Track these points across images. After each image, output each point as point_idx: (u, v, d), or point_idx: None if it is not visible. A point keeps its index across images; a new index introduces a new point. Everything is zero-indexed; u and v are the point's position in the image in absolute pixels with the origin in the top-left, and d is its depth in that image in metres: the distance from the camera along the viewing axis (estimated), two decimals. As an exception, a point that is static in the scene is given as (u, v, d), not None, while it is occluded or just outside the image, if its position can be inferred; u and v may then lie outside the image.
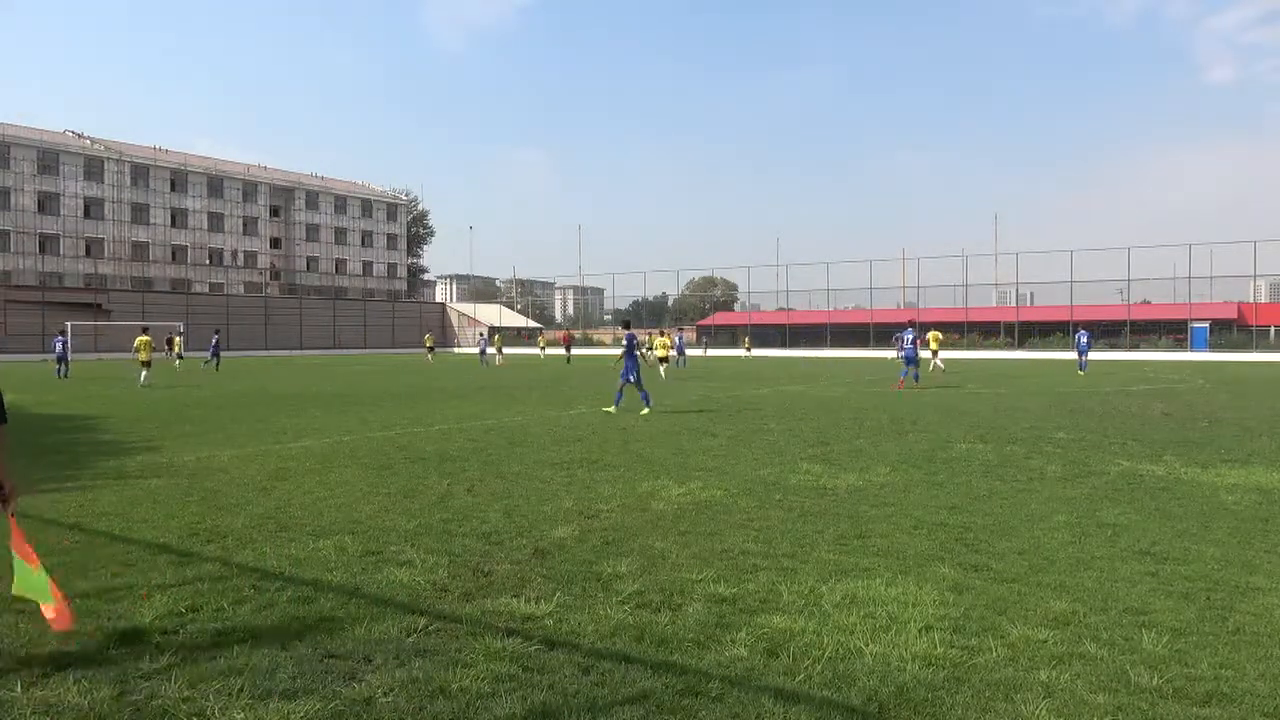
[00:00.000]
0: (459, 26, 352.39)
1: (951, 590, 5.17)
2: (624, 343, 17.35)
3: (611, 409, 16.44)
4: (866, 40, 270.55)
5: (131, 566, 5.64)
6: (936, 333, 36.45)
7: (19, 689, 3.74)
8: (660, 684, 3.80)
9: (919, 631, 4.45)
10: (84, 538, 6.45)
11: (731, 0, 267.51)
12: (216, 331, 42.73)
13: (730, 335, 77.47)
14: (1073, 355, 50.40)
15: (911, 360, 24.48)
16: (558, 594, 5.08)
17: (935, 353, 36.62)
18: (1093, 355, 54.99)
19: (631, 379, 16.77)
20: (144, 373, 26.25)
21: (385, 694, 3.70)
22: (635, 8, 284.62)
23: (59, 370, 31.51)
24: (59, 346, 32.05)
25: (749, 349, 63.56)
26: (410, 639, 4.35)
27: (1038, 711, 3.55)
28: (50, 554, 5.93)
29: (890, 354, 50.80)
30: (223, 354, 41.35)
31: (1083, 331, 37.26)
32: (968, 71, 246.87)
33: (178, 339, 45.06)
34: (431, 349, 54.44)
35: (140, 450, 11.43)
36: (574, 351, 54.33)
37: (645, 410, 16.19)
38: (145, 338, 27.36)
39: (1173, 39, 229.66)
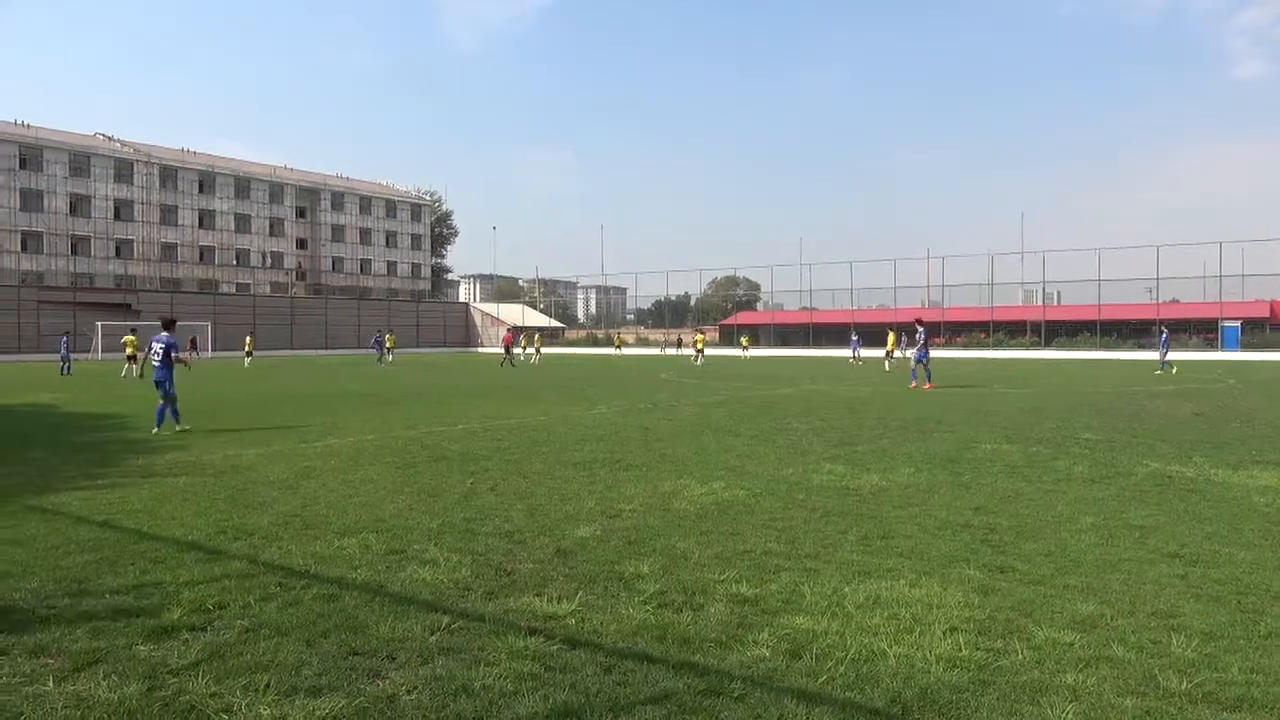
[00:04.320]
0: (479, 28, 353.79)
1: (976, 592, 5.12)
2: (156, 348, 14.04)
3: (179, 426, 13.66)
4: (889, 39, 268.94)
5: (160, 563, 5.72)
6: (892, 334, 37.22)
7: (51, 684, 3.80)
8: (682, 684, 3.80)
9: (943, 633, 4.42)
10: (114, 535, 6.54)
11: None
12: (379, 331, 46.10)
13: (753, 335, 77.30)
14: (1095, 355, 50.01)
15: (922, 360, 24.36)
16: (580, 593, 5.09)
17: (890, 353, 36.77)
18: (1122, 355, 54.43)
19: (164, 389, 13.74)
20: (128, 368, 31.15)
21: (408, 692, 3.73)
22: (656, 7, 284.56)
23: (63, 368, 34.45)
24: (64, 346, 35.41)
25: (746, 348, 55.00)
26: (433, 637, 4.37)
27: (1064, 715, 3.52)
28: (81, 551, 6.03)
29: (848, 354, 50.26)
30: (385, 351, 46.45)
31: (1164, 329, 37.12)
32: (992, 69, 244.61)
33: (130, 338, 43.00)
34: (390, 349, 49.43)
35: (168, 449, 11.58)
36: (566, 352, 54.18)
37: (179, 427, 13.61)
38: (131, 337, 32.55)
39: (1200, 34, 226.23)
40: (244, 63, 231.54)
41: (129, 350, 32.17)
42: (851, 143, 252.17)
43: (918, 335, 24.49)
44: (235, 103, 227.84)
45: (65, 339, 35.79)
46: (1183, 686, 3.78)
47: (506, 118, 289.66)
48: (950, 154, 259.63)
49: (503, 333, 51.11)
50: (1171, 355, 35.39)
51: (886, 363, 36.99)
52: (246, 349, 45.61)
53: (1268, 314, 61.94)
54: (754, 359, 51.76)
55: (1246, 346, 57.36)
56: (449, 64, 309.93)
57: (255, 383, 28.14)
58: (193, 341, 57.01)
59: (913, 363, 24.86)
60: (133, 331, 33.58)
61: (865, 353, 46.21)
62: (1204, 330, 61.84)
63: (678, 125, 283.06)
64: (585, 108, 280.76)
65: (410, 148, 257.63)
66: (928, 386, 23.64)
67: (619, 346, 72.78)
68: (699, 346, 46.79)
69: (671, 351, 53.90)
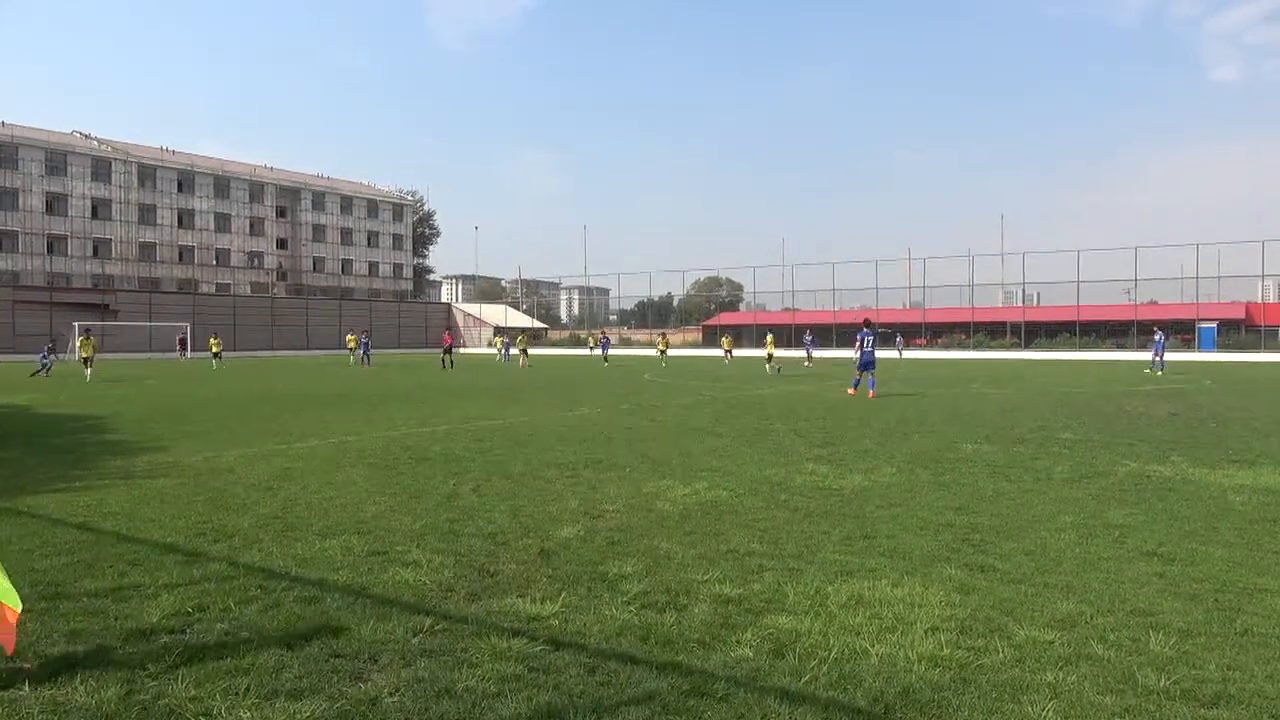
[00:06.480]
0: (463, 27, 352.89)
1: (958, 591, 5.16)
2: None
3: None
4: (872, 40, 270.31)
5: (139, 566, 5.66)
6: (770, 335, 37.56)
7: (27, 688, 3.75)
8: (666, 684, 3.80)
9: (925, 632, 4.44)
10: (91, 537, 6.47)
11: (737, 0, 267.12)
12: (365, 332, 46.94)
13: (735, 336, 77.52)
14: (1075, 355, 50.50)
15: (869, 365, 21.12)
16: (563, 594, 5.09)
17: (770, 355, 37.13)
18: (1101, 356, 54.91)
19: None
20: (87, 370, 31.68)
21: (391, 694, 3.71)
22: (640, 7, 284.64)
23: (42, 370, 34.67)
24: (45, 353, 35.87)
25: (729, 351, 49.17)
26: (416, 639, 4.35)
27: (1044, 713, 3.54)
28: (58, 553, 5.96)
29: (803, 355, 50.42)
30: (371, 352, 45.68)
31: (1159, 331, 37.63)
32: (973, 71, 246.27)
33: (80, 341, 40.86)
34: (353, 349, 45.75)
35: (147, 450, 11.47)
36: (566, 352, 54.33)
37: None
38: (83, 338, 33.25)
39: (1178, 38, 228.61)
40: (226, 61, 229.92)
41: (85, 353, 32.47)
42: (835, 143, 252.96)
43: (861, 337, 21.36)
44: (217, 102, 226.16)
45: (48, 348, 35.99)
46: (1161, 684, 3.82)
47: (490, 118, 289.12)
48: (933, 155, 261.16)
49: (444, 334, 50.98)
50: (1146, 355, 35.92)
51: (767, 366, 35.80)
52: (214, 350, 44.41)
53: (1243, 315, 62.75)
54: (735, 360, 51.64)
55: (1223, 347, 58.10)
56: (434, 64, 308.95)
57: (234, 384, 27.92)
58: (181, 341, 56.66)
59: (857, 370, 21.63)
60: (87, 333, 34.08)
61: (818, 353, 46.89)
62: (1181, 331, 62.58)
63: (661, 125, 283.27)
64: (570, 108, 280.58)
65: (393, 148, 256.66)
66: (851, 392, 21.52)
67: (594, 347, 72.91)
68: (662, 349, 47.61)
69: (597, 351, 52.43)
